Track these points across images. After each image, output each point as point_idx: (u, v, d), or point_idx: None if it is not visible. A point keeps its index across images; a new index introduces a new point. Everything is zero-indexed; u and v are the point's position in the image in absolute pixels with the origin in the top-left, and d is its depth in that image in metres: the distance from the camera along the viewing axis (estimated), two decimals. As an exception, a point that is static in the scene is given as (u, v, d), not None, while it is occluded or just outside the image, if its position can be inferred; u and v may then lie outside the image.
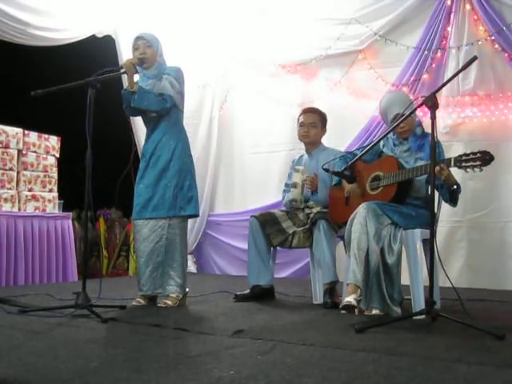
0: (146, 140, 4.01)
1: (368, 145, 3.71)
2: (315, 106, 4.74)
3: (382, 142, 3.88)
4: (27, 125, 5.82)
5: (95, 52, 6.69)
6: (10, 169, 5.56)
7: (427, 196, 3.62)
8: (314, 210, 4.19)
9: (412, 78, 5.58)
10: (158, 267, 3.85)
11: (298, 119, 4.50)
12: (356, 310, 3.34)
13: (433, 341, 2.72)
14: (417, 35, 5.66)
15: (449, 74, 5.35)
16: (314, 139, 4.45)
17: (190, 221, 4.18)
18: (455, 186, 3.48)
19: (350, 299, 3.27)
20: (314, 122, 4.43)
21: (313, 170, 4.35)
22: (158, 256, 3.84)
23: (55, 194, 5.99)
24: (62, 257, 5.77)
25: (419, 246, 3.50)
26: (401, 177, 3.53)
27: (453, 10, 5.48)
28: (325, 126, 4.49)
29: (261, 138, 6.58)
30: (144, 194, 3.90)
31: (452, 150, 4.93)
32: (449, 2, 5.48)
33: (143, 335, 2.86)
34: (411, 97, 4.83)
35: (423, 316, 3.02)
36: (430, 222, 3.01)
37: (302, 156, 4.60)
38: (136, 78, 3.92)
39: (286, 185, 4.57)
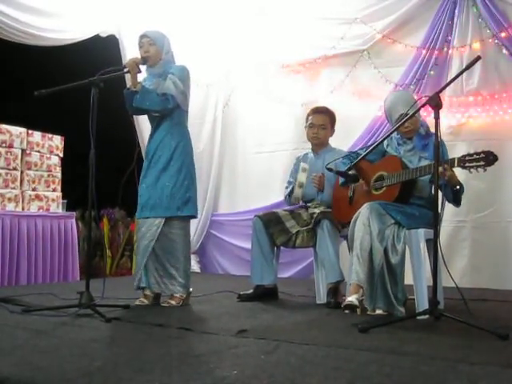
0: (150, 139, 4.01)
1: (372, 144, 3.71)
2: (325, 106, 4.70)
3: (385, 142, 3.87)
4: (31, 124, 5.82)
5: (99, 51, 6.69)
6: (14, 168, 5.57)
7: (431, 196, 3.62)
8: (318, 210, 4.19)
9: (416, 78, 5.57)
10: (151, 265, 3.84)
11: (307, 119, 4.48)
12: (358, 310, 3.34)
13: (436, 340, 2.72)
14: (420, 35, 5.65)
15: (453, 73, 5.34)
16: (323, 141, 4.45)
17: (193, 221, 4.18)
18: (458, 187, 3.48)
19: (352, 299, 3.28)
20: (323, 124, 4.42)
21: (318, 169, 4.35)
22: (152, 254, 3.84)
23: (59, 193, 6.00)
24: (66, 256, 5.78)
25: (423, 245, 3.50)
26: (405, 177, 3.52)
27: (457, 9, 5.46)
28: (334, 127, 4.49)
29: (264, 137, 6.58)
30: (145, 193, 3.91)
31: (455, 150, 4.92)
32: (453, 2, 5.47)
33: (146, 335, 2.87)
34: (415, 96, 4.82)
35: (427, 316, 3.01)
36: (434, 222, 3.01)
37: (306, 154, 4.60)
38: (141, 77, 3.93)
39: (289, 182, 4.57)
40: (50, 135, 5.99)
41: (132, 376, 2.01)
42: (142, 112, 4.02)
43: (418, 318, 3.15)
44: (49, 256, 5.57)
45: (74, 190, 6.21)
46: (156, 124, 3.97)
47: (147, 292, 3.91)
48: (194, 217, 4.08)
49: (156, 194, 3.85)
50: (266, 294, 4.25)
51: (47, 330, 2.91)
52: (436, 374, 2.06)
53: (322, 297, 4.13)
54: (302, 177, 4.35)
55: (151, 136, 4.00)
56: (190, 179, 3.96)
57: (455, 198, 3.54)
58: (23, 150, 5.68)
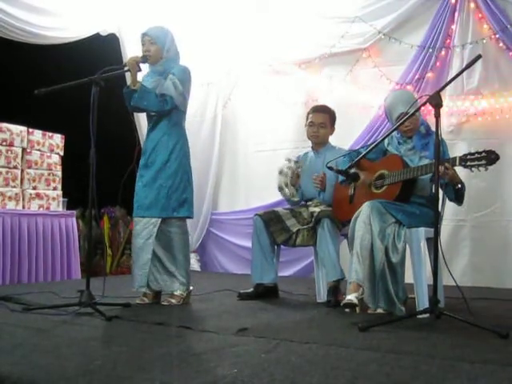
0: (147, 137, 4.01)
1: (372, 143, 3.71)
2: (325, 104, 4.70)
3: (386, 141, 3.87)
4: (31, 123, 5.82)
5: (99, 50, 6.68)
6: (15, 167, 5.57)
7: (431, 195, 3.62)
8: (318, 209, 4.18)
9: (416, 77, 5.57)
10: (145, 264, 3.81)
11: (307, 117, 4.48)
12: (357, 309, 3.35)
13: (436, 339, 2.71)
14: (421, 33, 5.64)
15: (453, 72, 5.33)
16: (322, 139, 4.45)
17: (193, 219, 4.17)
18: (459, 185, 3.48)
19: (351, 297, 3.27)
20: (323, 123, 4.42)
21: (318, 167, 4.35)
22: (147, 253, 3.82)
23: (59, 192, 6.01)
24: (66, 255, 5.78)
25: (423, 244, 3.49)
26: (405, 175, 3.52)
27: (457, 8, 5.45)
28: (334, 125, 4.49)
29: (264, 136, 6.57)
30: (141, 192, 3.91)
31: (456, 149, 4.93)
32: (453, 1, 5.45)
33: (147, 333, 2.87)
34: (415, 95, 4.81)
35: (427, 314, 3.02)
36: (435, 221, 3.01)
37: (306, 153, 4.60)
38: (142, 73, 3.92)
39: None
40: (50, 134, 5.99)
41: (132, 375, 2.01)
42: (140, 110, 4.03)
43: (419, 316, 3.15)
44: (49, 254, 5.58)
45: (74, 189, 6.21)
46: (153, 123, 3.96)
47: (147, 290, 3.90)
48: (190, 217, 4.08)
49: (152, 195, 3.85)
50: (266, 293, 4.25)
51: (47, 329, 2.91)
52: (436, 373, 2.06)
53: (322, 295, 4.13)
54: (283, 165, 4.41)
55: (148, 134, 4.00)
56: (187, 180, 3.96)
57: (457, 196, 3.54)
58: (24, 149, 5.69)
